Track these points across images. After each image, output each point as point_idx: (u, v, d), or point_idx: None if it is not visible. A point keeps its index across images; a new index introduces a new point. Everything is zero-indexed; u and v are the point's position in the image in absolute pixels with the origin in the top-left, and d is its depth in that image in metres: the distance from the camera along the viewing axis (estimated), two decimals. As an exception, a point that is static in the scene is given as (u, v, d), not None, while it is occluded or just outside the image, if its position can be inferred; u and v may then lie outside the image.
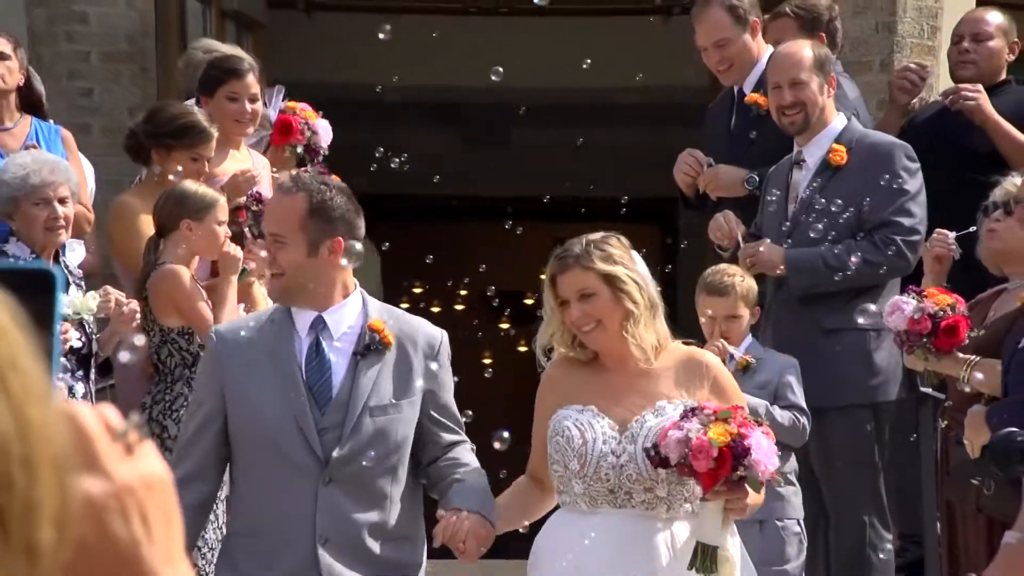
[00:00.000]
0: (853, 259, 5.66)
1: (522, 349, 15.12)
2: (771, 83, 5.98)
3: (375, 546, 3.96)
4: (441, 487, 4.06)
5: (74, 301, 5.35)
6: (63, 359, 5.42)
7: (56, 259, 5.65)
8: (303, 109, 6.44)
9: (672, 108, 8.19)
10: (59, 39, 7.82)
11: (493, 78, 5.82)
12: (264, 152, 6.43)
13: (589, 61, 6.64)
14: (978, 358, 5.09)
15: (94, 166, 6.78)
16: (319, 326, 4.05)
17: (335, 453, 3.94)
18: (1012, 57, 6.82)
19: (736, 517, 3.95)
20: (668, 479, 3.96)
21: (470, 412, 4.31)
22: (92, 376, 5.59)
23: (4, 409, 1.00)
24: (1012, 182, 5.34)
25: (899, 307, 5.19)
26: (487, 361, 14.79)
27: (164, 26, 7.98)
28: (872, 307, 5.45)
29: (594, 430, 4.05)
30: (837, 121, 5.95)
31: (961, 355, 5.12)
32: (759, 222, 6.02)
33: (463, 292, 13.86)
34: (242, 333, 4.09)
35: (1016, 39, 6.85)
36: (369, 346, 4.02)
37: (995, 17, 6.88)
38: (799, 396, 5.37)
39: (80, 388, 5.48)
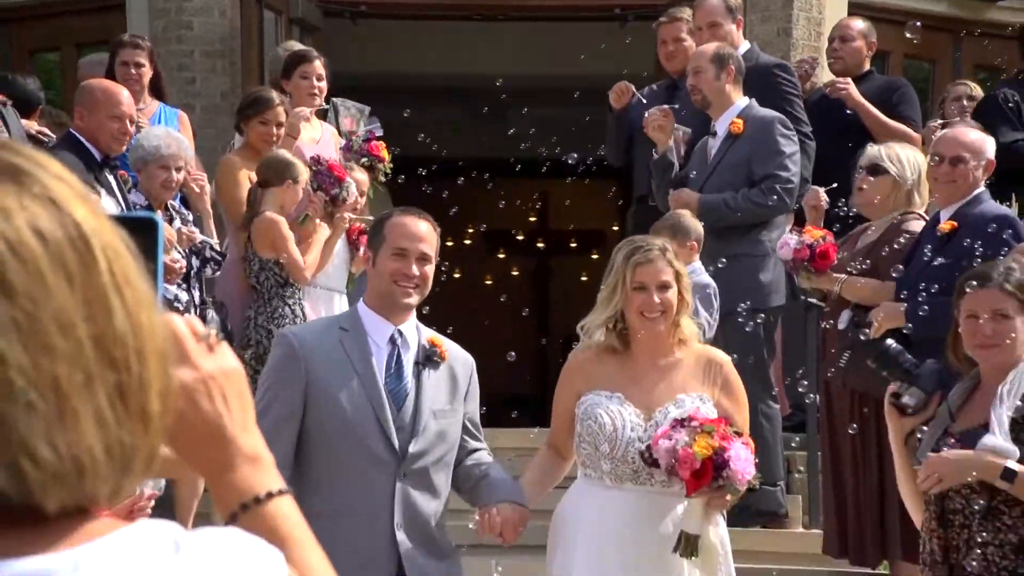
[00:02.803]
0: (744, 202, 5.74)
1: (514, 273, 15.27)
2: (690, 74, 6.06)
3: (433, 531, 3.64)
4: (468, 487, 3.75)
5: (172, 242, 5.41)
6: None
7: (166, 207, 5.69)
8: (379, 148, 6.32)
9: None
10: (172, 41, 7.90)
11: (497, 84, 5.93)
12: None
13: (583, 56, 6.68)
14: (845, 276, 5.11)
15: (196, 136, 6.77)
16: (398, 338, 3.67)
17: (410, 449, 3.59)
18: (871, 54, 6.86)
19: (718, 510, 3.62)
20: None
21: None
22: (195, 288, 5.65)
23: (121, 314, 0.96)
24: (872, 151, 5.35)
25: (786, 243, 5.22)
26: (488, 282, 14.94)
27: (247, 31, 8.05)
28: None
29: (623, 418, 3.71)
30: (740, 101, 5.96)
31: (834, 275, 5.14)
32: (687, 173, 6.06)
33: (470, 230, 13.95)
34: (318, 336, 3.72)
35: (874, 40, 6.89)
36: (429, 357, 3.68)
37: (858, 24, 6.95)
38: (700, 311, 5.23)
39: (184, 296, 5.54)
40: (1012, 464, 3.28)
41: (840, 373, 5.10)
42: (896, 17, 7.76)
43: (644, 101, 6.37)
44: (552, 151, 7.78)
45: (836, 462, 5.25)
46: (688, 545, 3.51)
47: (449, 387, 3.71)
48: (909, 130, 6.43)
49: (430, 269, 3.68)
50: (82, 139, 5.50)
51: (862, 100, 6.48)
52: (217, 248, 5.96)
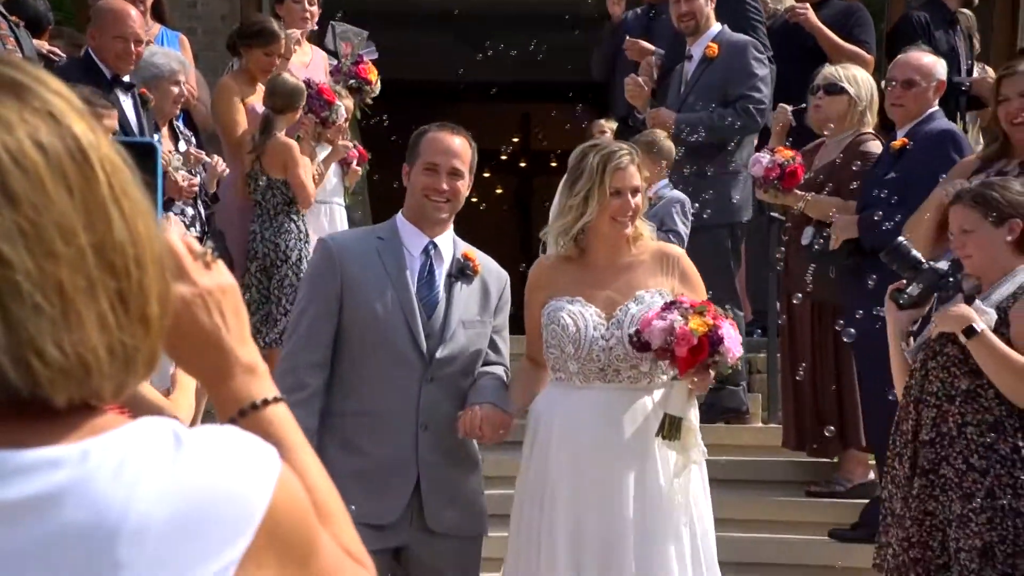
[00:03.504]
0: (719, 120, 5.71)
1: (499, 191, 15.22)
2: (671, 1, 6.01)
3: (456, 436, 3.48)
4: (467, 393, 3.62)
5: (171, 159, 5.35)
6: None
7: (171, 124, 5.64)
8: (366, 71, 6.20)
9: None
10: (172, -37, 7.75)
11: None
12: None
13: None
14: (810, 195, 5.12)
15: (196, 59, 6.68)
16: (431, 249, 3.55)
17: (438, 355, 3.48)
18: None
19: (698, 393, 3.51)
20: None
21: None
22: (200, 204, 5.56)
23: (120, 223, 0.95)
24: (828, 70, 5.32)
25: (758, 160, 5.21)
26: (474, 199, 14.90)
27: (246, -44, 7.94)
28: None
29: (584, 318, 3.57)
30: (715, 27, 5.94)
31: (798, 192, 5.15)
32: (665, 97, 6.04)
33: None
34: (355, 243, 3.61)
35: None
36: (463, 270, 3.56)
37: None
38: (676, 222, 5.34)
39: (190, 211, 5.47)
40: (977, 324, 3.37)
41: (802, 285, 5.09)
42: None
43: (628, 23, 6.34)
44: (533, 75, 7.68)
45: (794, 363, 5.29)
46: (672, 427, 3.40)
47: (480, 299, 3.59)
48: (863, 52, 6.37)
49: (462, 184, 3.55)
50: (95, 59, 5.42)
51: (819, 24, 6.42)
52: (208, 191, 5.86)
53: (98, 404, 0.96)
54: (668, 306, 3.42)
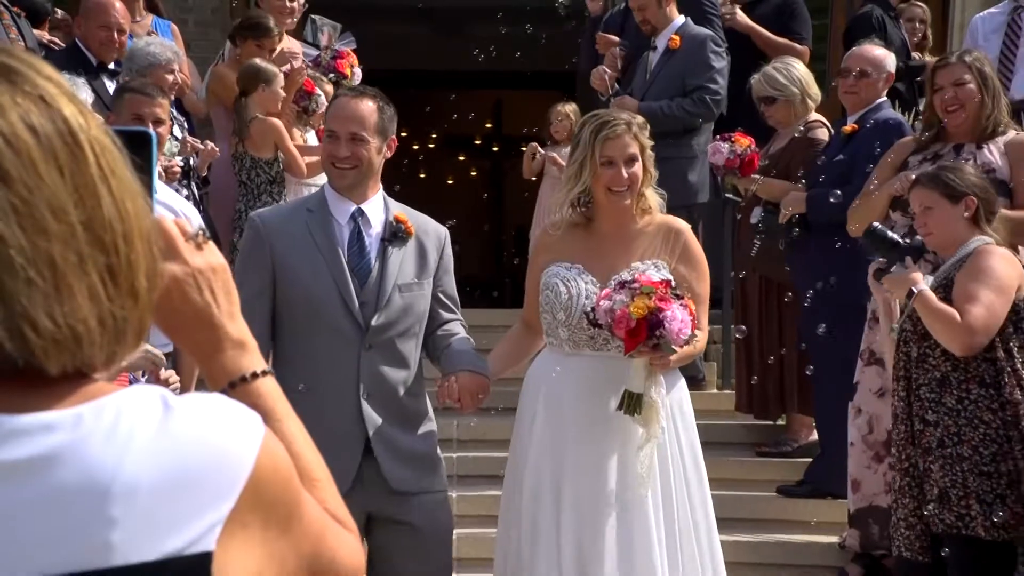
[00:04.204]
0: (678, 110, 5.72)
1: (473, 173, 15.18)
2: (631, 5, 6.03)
3: (403, 399, 3.27)
4: (436, 355, 3.38)
5: (170, 148, 5.30)
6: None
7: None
8: (343, 65, 6.09)
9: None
10: (166, -40, 7.67)
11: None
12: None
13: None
14: (762, 178, 5.14)
15: (188, 48, 6.62)
16: (358, 216, 3.30)
17: (373, 322, 3.23)
18: None
19: (661, 370, 3.25)
20: None
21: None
22: (193, 185, 5.49)
23: (108, 201, 0.94)
24: (756, 86, 5.30)
25: (718, 149, 5.21)
26: (450, 181, 14.85)
27: (234, -48, 7.87)
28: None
29: (578, 285, 3.37)
30: (677, 20, 5.91)
31: (754, 176, 5.17)
32: (631, 85, 6.03)
33: (434, 134, 13.80)
34: (283, 219, 3.34)
35: None
36: (396, 234, 3.30)
37: None
38: None
39: (184, 192, 5.34)
40: (917, 287, 3.52)
41: (752, 261, 5.16)
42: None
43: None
44: (506, 64, 7.63)
45: (746, 334, 5.33)
46: (631, 403, 3.22)
47: (417, 261, 3.33)
48: (796, 45, 6.36)
49: (366, 149, 3.26)
50: (81, 46, 5.39)
51: (748, 23, 6.40)
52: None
53: (90, 372, 0.95)
54: (621, 285, 3.23)
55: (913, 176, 3.89)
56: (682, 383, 3.47)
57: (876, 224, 3.77)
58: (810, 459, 5.24)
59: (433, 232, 3.39)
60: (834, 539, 4.81)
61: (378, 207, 3.34)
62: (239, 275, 3.21)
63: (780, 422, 5.56)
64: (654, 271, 3.36)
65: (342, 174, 3.28)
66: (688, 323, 3.16)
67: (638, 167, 3.42)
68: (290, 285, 3.25)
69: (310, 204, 3.37)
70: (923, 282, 3.52)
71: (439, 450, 3.40)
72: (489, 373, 3.31)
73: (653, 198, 3.49)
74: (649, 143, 3.48)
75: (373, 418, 3.23)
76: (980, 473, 3.46)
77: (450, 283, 3.42)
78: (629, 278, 3.26)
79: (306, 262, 3.24)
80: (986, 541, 3.46)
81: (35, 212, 0.90)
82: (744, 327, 5.05)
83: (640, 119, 3.51)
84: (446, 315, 3.39)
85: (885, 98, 4.99)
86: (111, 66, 5.40)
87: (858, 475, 4.47)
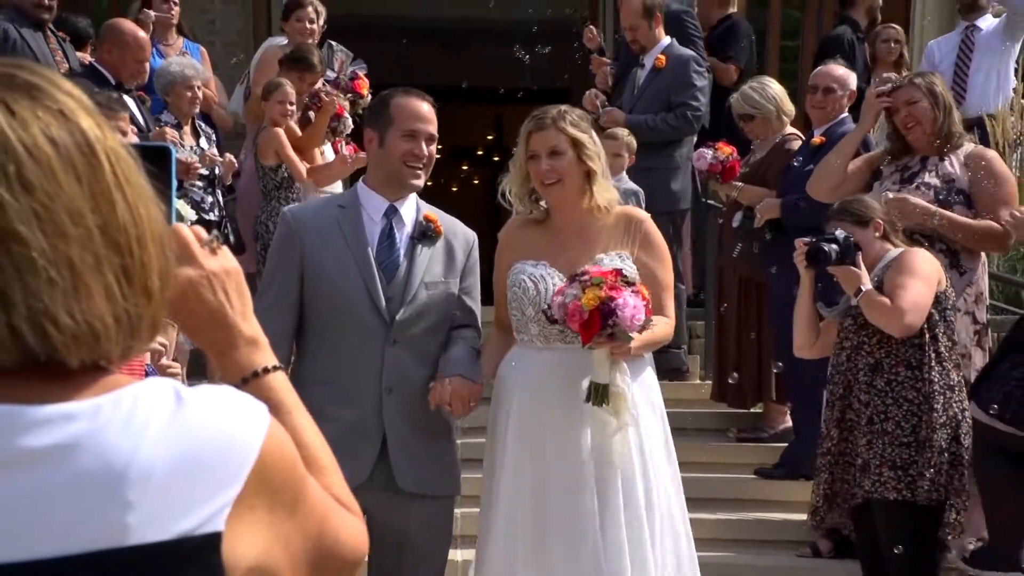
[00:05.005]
0: (662, 123, 5.72)
1: (475, 181, 15.16)
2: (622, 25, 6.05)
3: (422, 397, 3.04)
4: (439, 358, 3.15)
5: (190, 155, 5.33)
6: (200, 182, 5.43)
7: (193, 123, 5.58)
8: (361, 86, 6.01)
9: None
10: (195, -12, 7.71)
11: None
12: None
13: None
14: (743, 184, 5.17)
15: (215, 68, 6.67)
16: (391, 214, 3.10)
17: (398, 317, 3.03)
18: (723, 11, 6.73)
19: (622, 358, 3.01)
20: None
21: None
22: (218, 193, 5.52)
23: (123, 207, 0.93)
24: (735, 105, 5.25)
25: (702, 156, 5.25)
26: (454, 189, 14.84)
27: (257, -20, 7.88)
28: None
29: (545, 282, 3.13)
30: (664, 40, 5.92)
31: (734, 183, 5.21)
32: (619, 100, 6.02)
33: (439, 145, 13.79)
34: (314, 214, 3.14)
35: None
36: (425, 233, 3.10)
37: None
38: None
39: (209, 199, 5.43)
40: (864, 285, 3.64)
41: (732, 262, 5.18)
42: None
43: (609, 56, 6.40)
44: (506, 81, 7.65)
45: (722, 331, 5.37)
46: (597, 393, 2.99)
47: (445, 260, 3.12)
48: (729, 66, 6.49)
49: (434, 149, 3.13)
50: (101, 69, 5.44)
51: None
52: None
53: (108, 365, 0.95)
54: (572, 279, 3.00)
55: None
56: (650, 372, 3.22)
57: (815, 242, 3.69)
58: (785, 444, 5.24)
59: (462, 234, 3.19)
60: (807, 517, 4.81)
61: (411, 206, 3.15)
62: (270, 271, 3.14)
63: (757, 410, 5.55)
64: (617, 261, 3.11)
65: (416, 173, 3.09)
66: (641, 309, 2.94)
67: (563, 160, 3.11)
68: (318, 279, 3.06)
69: (342, 200, 3.19)
70: (868, 282, 3.65)
71: (458, 454, 3.19)
72: (482, 380, 3.08)
73: (605, 194, 3.16)
74: (587, 136, 3.14)
75: (392, 414, 3.03)
76: (899, 444, 3.63)
77: (472, 285, 3.19)
78: (580, 272, 3.03)
79: (335, 256, 3.05)
80: (911, 504, 3.61)
81: (55, 217, 0.90)
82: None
83: (578, 112, 3.24)
84: (461, 317, 3.17)
85: (848, 113, 5.00)
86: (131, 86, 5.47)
87: (827, 458, 4.49)
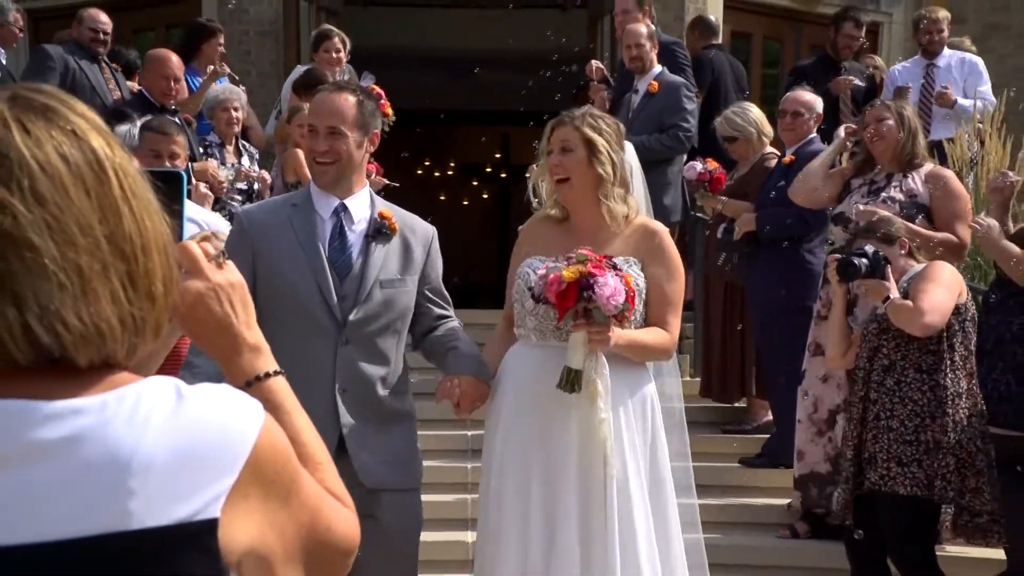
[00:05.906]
0: (656, 144, 5.70)
1: (485, 196, 15.15)
2: (623, 48, 6.02)
3: (381, 395, 2.79)
4: (439, 355, 2.88)
5: (228, 175, 5.35)
6: (239, 196, 5.46)
7: (237, 143, 5.62)
8: (385, 106, 6.13)
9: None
10: (233, 23, 7.69)
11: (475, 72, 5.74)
12: None
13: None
14: (727, 199, 5.18)
15: (252, 96, 6.73)
16: (341, 211, 2.81)
17: (351, 317, 2.76)
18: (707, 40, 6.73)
19: (600, 347, 2.72)
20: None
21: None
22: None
23: (129, 218, 0.93)
24: (719, 128, 5.27)
25: (693, 167, 5.30)
26: (465, 203, 14.83)
27: (288, 15, 7.87)
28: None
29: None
30: (657, 68, 5.92)
31: (719, 197, 5.22)
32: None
33: (452, 163, 13.80)
34: (268, 214, 2.84)
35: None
36: (379, 230, 2.81)
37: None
38: None
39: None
40: (891, 293, 3.60)
41: (717, 269, 5.19)
42: (756, 9, 8.07)
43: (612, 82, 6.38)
44: (512, 104, 7.63)
45: (708, 332, 5.36)
46: (569, 380, 2.73)
47: (401, 257, 2.84)
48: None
49: (345, 143, 2.76)
50: (145, 93, 5.52)
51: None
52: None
53: (114, 364, 0.94)
54: (561, 258, 2.78)
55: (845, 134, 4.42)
56: (651, 388, 2.94)
57: (846, 257, 3.63)
58: (767, 436, 5.21)
59: (420, 230, 2.88)
60: (786, 502, 4.79)
61: (363, 203, 2.84)
62: None
63: (741, 404, 5.53)
64: (625, 266, 2.84)
65: (322, 170, 2.79)
66: (622, 292, 2.66)
67: (573, 158, 2.87)
68: (270, 279, 2.77)
69: (295, 199, 2.88)
70: (895, 291, 3.62)
71: (418, 447, 2.91)
72: (489, 379, 2.86)
73: (618, 209, 2.89)
74: (602, 140, 2.89)
75: (348, 413, 2.76)
76: (903, 441, 3.56)
77: (437, 279, 2.90)
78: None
79: (287, 256, 2.77)
80: (912, 498, 3.52)
81: (65, 228, 0.90)
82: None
83: (609, 119, 2.98)
84: (438, 311, 2.91)
85: (815, 134, 5.01)
86: (172, 106, 5.47)
87: (803, 447, 4.46)
